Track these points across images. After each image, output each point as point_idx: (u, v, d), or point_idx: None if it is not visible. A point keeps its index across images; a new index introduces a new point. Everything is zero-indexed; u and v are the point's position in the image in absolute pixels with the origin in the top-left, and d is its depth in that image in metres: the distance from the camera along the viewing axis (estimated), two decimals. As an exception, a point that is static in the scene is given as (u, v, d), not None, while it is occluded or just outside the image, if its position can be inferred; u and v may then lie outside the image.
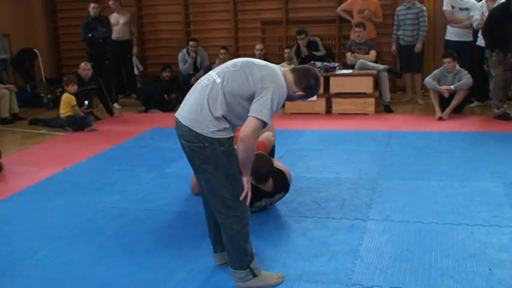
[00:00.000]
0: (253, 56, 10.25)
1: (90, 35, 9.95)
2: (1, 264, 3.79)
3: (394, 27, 9.27)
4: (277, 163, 4.53)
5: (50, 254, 3.94)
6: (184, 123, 3.15)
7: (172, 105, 9.76)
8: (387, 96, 8.74)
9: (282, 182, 4.39)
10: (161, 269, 3.60)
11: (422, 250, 3.73)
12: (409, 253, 3.70)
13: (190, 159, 3.23)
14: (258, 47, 10.32)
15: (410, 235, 3.98)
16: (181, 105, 3.27)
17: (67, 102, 8.24)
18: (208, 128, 3.08)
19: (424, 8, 9.14)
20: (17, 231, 4.38)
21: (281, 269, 3.56)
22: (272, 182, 4.30)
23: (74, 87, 8.24)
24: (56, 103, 9.84)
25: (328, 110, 8.67)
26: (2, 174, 5.97)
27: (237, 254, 3.28)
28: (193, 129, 3.12)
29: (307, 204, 4.68)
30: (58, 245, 4.08)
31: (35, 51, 11.08)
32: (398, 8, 9.30)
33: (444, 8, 8.95)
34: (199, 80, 3.31)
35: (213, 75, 3.24)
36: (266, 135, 4.73)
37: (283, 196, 4.50)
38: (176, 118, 3.23)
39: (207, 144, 3.09)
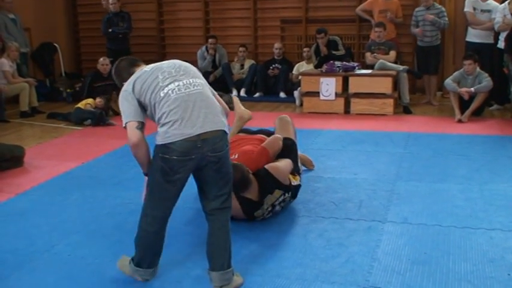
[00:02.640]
0: (273, 57, 10.27)
1: (110, 30, 10.00)
2: (18, 258, 3.81)
3: (411, 27, 9.19)
4: (275, 162, 4.41)
5: (67, 248, 3.96)
6: (217, 128, 3.16)
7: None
8: (406, 97, 8.69)
9: (268, 183, 4.24)
10: (178, 266, 3.59)
11: (440, 254, 3.70)
12: (427, 256, 3.67)
13: (219, 173, 3.24)
14: (276, 45, 10.31)
15: (428, 238, 3.95)
16: (183, 123, 3.08)
17: (86, 103, 8.46)
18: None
19: (444, 9, 9.08)
20: (34, 225, 4.40)
21: (298, 268, 3.55)
22: (257, 190, 4.20)
23: (100, 102, 8.52)
24: (74, 97, 9.91)
25: (347, 110, 8.64)
26: (21, 167, 6.01)
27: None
28: (227, 131, 3.23)
29: (324, 204, 4.66)
30: (75, 239, 4.10)
31: (55, 46, 11.13)
32: (417, 9, 9.23)
33: (466, 9, 8.87)
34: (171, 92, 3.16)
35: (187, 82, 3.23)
36: (272, 139, 4.63)
37: (286, 196, 4.36)
38: (195, 135, 3.09)
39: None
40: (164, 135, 3.07)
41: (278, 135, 4.70)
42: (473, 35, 8.85)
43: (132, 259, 3.38)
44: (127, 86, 3.24)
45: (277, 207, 4.32)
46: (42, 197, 5.06)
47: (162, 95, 3.12)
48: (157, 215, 3.25)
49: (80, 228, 4.25)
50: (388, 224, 4.22)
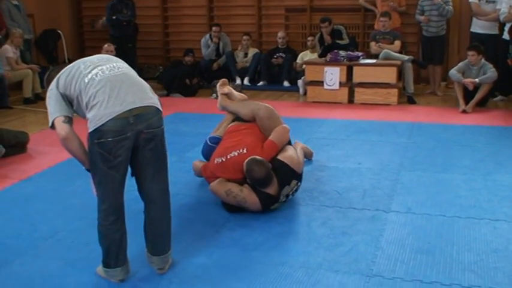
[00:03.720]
0: (276, 46, 10.24)
1: (114, 17, 9.97)
2: (22, 244, 3.83)
3: (416, 15, 9.11)
4: (286, 153, 4.42)
5: (71, 234, 3.97)
6: (148, 104, 3.13)
7: (193, 90, 9.77)
8: (411, 87, 8.66)
9: (286, 174, 4.26)
10: (181, 252, 3.60)
11: (444, 243, 3.70)
12: (431, 246, 3.67)
13: (155, 152, 3.19)
14: (279, 35, 10.28)
15: (432, 228, 3.95)
16: (111, 101, 3.02)
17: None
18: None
19: (449, -1, 9.03)
20: (38, 211, 4.41)
21: (301, 257, 3.55)
22: (276, 184, 4.19)
23: None
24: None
25: (351, 100, 8.61)
26: (25, 154, 6.01)
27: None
28: (160, 108, 3.20)
29: (328, 193, 4.66)
30: (79, 225, 4.10)
31: (58, 32, 11.12)
32: (422, -1, 9.15)
33: (471, 0, 8.82)
34: (91, 76, 3.11)
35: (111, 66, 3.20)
36: (280, 132, 4.59)
37: (298, 185, 4.40)
38: (126, 111, 3.02)
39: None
40: (94, 119, 2.99)
41: (285, 126, 4.66)
42: (478, 26, 8.80)
43: (102, 261, 3.32)
44: (52, 84, 3.20)
45: (290, 196, 4.34)
46: (46, 183, 5.07)
47: (86, 80, 3.07)
48: (110, 205, 3.16)
49: (84, 215, 4.24)
50: (392, 214, 4.22)
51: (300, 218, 4.22)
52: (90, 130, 3.03)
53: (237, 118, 4.93)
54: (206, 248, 3.70)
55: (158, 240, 3.36)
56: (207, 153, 4.86)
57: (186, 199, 4.53)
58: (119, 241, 3.24)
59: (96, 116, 2.99)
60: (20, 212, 4.41)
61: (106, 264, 3.29)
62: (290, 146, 4.60)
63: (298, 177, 4.37)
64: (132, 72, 3.26)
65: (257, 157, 4.17)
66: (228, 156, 4.36)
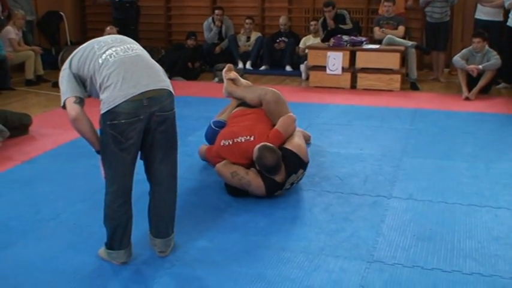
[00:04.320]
0: (279, 30, 10.19)
1: (117, -2, 9.94)
2: (24, 226, 3.84)
3: (420, 1, 9.07)
4: (293, 141, 4.42)
5: (73, 216, 3.98)
6: (162, 87, 3.13)
7: (196, 74, 9.76)
8: (414, 73, 8.65)
9: (294, 163, 4.26)
10: (183, 236, 3.60)
11: (446, 230, 3.71)
12: (432, 233, 3.67)
13: (165, 134, 3.20)
14: (281, 21, 10.22)
15: (433, 215, 3.96)
16: (125, 83, 3.02)
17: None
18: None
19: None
20: (40, 193, 4.42)
21: (302, 242, 3.56)
22: (284, 172, 4.19)
23: None
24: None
25: (353, 85, 8.58)
26: (27, 135, 6.02)
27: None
28: (172, 91, 3.19)
29: (330, 179, 4.66)
30: (81, 207, 4.12)
31: (60, 14, 11.06)
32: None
33: (475, -14, 8.79)
34: (106, 57, 3.10)
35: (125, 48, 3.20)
36: (286, 122, 4.55)
37: (303, 173, 4.40)
38: (140, 93, 3.02)
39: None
40: (108, 100, 2.99)
41: (291, 115, 4.62)
42: (482, 12, 8.76)
43: (106, 243, 3.33)
44: (65, 64, 3.20)
45: (294, 184, 4.35)
46: (48, 165, 5.07)
47: (100, 61, 3.07)
48: (119, 188, 3.16)
49: (86, 197, 4.26)
50: (394, 200, 4.23)
51: (302, 203, 4.22)
52: (103, 111, 3.03)
53: (242, 103, 4.93)
54: (208, 232, 3.71)
55: (162, 223, 3.37)
56: (211, 136, 4.87)
57: (188, 183, 4.54)
58: (125, 224, 3.25)
59: (110, 98, 2.99)
60: (22, 194, 4.42)
61: (110, 246, 3.30)
62: (297, 134, 4.59)
63: (305, 166, 4.37)
64: (146, 54, 3.25)
65: (269, 144, 4.18)
66: (235, 140, 4.35)
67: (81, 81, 3.15)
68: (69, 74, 3.15)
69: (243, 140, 4.33)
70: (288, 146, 4.33)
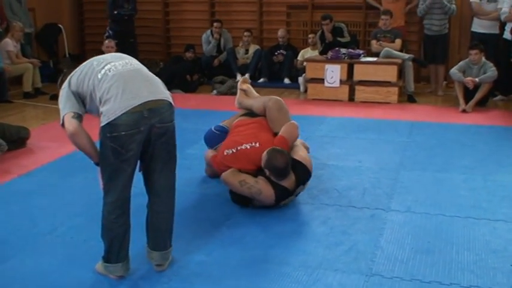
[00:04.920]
0: (277, 43, 10.21)
1: (115, 12, 9.94)
2: (21, 240, 3.82)
3: (418, 10, 9.07)
4: (300, 153, 4.45)
5: (70, 230, 3.97)
6: (162, 98, 3.14)
7: (194, 86, 9.76)
8: (411, 86, 8.65)
9: (303, 173, 4.31)
10: (180, 250, 3.59)
11: (444, 243, 3.70)
12: (430, 245, 3.67)
13: (166, 145, 3.21)
14: (280, 33, 10.24)
15: (431, 227, 3.95)
16: (125, 94, 3.04)
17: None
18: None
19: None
20: (37, 206, 4.41)
21: (301, 255, 3.55)
22: (294, 177, 4.22)
23: None
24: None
25: (351, 98, 8.59)
26: (24, 148, 6.00)
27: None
28: (172, 103, 3.20)
29: (328, 191, 4.66)
30: (78, 222, 4.10)
31: (59, 26, 11.08)
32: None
33: (472, -1, 8.81)
34: (105, 71, 3.13)
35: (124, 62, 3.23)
36: (290, 128, 4.56)
37: (305, 187, 4.43)
38: (140, 105, 3.03)
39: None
40: (108, 112, 3.00)
41: (294, 122, 4.63)
42: (479, 25, 8.78)
43: (103, 257, 3.32)
44: (64, 84, 3.24)
45: (298, 196, 4.39)
46: (46, 179, 5.06)
47: (99, 76, 3.09)
48: (117, 198, 3.16)
49: (83, 211, 4.25)
50: (392, 213, 4.22)
51: (300, 216, 4.21)
52: (102, 124, 3.04)
53: (245, 113, 4.96)
54: (206, 245, 3.70)
55: (160, 235, 3.36)
56: (210, 138, 4.93)
57: (186, 196, 4.52)
58: (122, 236, 3.24)
59: (110, 110, 3.00)
60: (19, 207, 4.40)
61: (107, 259, 3.28)
62: (300, 146, 4.63)
63: (310, 177, 4.41)
64: (145, 69, 3.28)
65: (277, 147, 4.21)
66: (239, 148, 4.35)
67: (81, 99, 3.17)
68: (68, 92, 3.17)
69: (248, 147, 4.34)
70: (296, 157, 4.35)
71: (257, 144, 4.34)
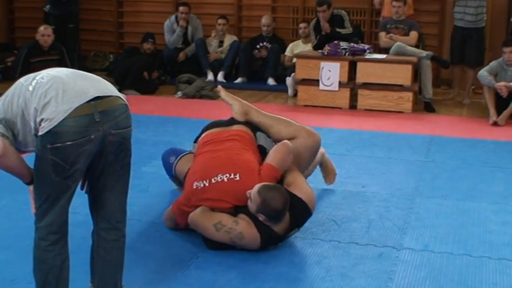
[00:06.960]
0: (260, 34, 10.23)
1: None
2: None
3: None
4: (301, 186, 4.40)
5: (-6, 269, 3.93)
6: (113, 94, 3.16)
7: (153, 86, 9.75)
8: (429, 91, 8.71)
9: (302, 215, 4.27)
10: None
11: (470, 291, 3.72)
12: (453, 294, 3.69)
13: (122, 157, 3.22)
14: (264, 21, 10.30)
15: (454, 271, 3.97)
16: (67, 94, 3.03)
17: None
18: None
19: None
20: (-50, 238, 4.36)
21: (289, 305, 3.54)
22: (288, 219, 4.17)
23: None
24: (6, 75, 9.77)
25: (353, 105, 8.67)
26: None
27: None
28: (127, 104, 3.21)
29: (323, 223, 4.67)
30: (4, 257, 4.06)
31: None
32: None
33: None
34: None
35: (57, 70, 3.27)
36: (281, 154, 4.46)
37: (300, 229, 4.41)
38: (88, 104, 3.03)
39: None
40: (48, 118, 2.97)
41: (287, 142, 4.52)
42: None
43: None
44: None
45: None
46: (-40, 202, 5.02)
47: (31, 89, 3.08)
48: (54, 221, 3.12)
49: (11, 244, 4.21)
50: (405, 252, 4.24)
51: (288, 255, 4.20)
52: (41, 132, 2.99)
53: (213, 122, 4.89)
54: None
55: (109, 270, 3.33)
56: (167, 167, 4.99)
57: (142, 226, 4.51)
58: (59, 269, 3.18)
59: (51, 115, 2.97)
60: None
61: None
62: (298, 174, 4.56)
63: (309, 218, 4.37)
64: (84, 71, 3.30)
65: (270, 183, 4.14)
66: (213, 180, 4.23)
67: (11, 129, 3.13)
68: None
69: (225, 180, 4.22)
70: (296, 192, 4.28)
71: (237, 177, 4.23)
